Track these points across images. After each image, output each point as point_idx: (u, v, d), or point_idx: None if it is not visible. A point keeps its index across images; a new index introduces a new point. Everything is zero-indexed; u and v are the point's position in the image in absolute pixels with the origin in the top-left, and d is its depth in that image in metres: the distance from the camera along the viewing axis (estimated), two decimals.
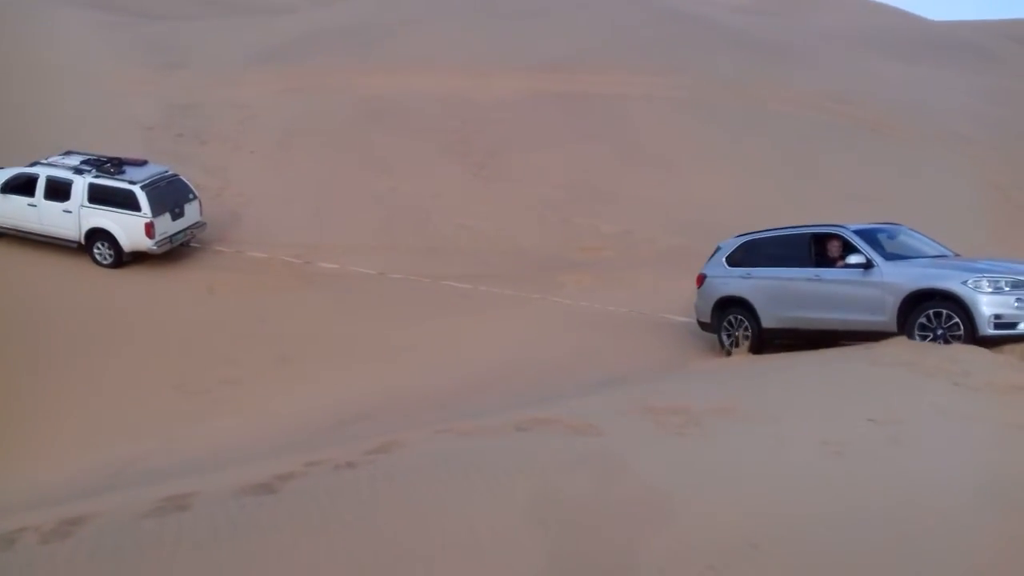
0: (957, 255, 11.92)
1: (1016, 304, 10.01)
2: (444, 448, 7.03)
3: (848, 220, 16.48)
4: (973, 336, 10.08)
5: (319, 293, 16.88)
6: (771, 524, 5.18)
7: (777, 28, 36.18)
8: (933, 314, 10.40)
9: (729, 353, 12.65)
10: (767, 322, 12.21)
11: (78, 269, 17.14)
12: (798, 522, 5.27)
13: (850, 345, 11.21)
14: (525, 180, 21.96)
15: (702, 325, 13.45)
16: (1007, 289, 10.09)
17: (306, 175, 21.72)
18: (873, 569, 4.70)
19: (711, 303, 13.01)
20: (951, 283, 10.30)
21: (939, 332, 10.33)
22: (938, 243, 12.23)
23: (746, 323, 12.46)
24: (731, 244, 13.24)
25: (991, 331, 10.01)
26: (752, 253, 12.73)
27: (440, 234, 19.45)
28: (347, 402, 12.43)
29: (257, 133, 23.82)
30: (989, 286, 10.10)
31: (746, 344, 12.39)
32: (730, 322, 12.73)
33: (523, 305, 16.22)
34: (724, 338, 12.88)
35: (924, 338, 10.45)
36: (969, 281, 10.19)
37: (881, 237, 11.79)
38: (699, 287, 13.39)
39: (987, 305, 10.01)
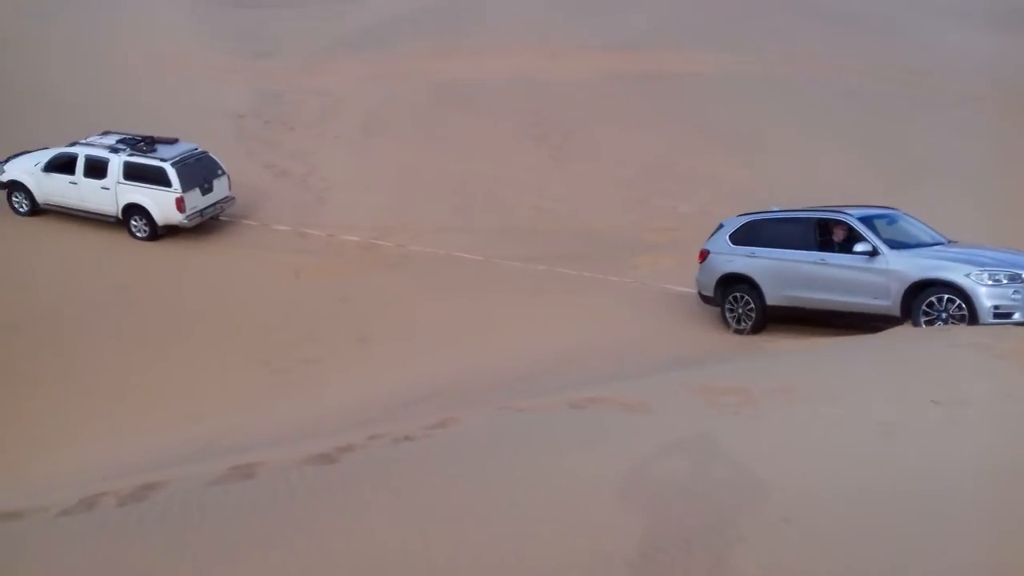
0: (952, 241, 12.47)
1: (1013, 295, 10.93)
2: (499, 424, 7.27)
3: (929, 198, 16.26)
4: (974, 324, 10.91)
5: (398, 274, 17.32)
6: (807, 501, 5.23)
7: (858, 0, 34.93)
8: (936, 299, 11.20)
9: (738, 331, 13.26)
10: (771, 300, 12.87)
11: (174, 252, 18.04)
12: (834, 500, 5.30)
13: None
14: (601, 161, 21.96)
15: (704, 298, 14.01)
16: (1005, 282, 10.98)
17: (386, 159, 22.24)
18: (898, 548, 4.72)
19: (715, 278, 13.57)
20: (954, 275, 11.11)
21: (943, 316, 11.16)
22: (933, 230, 12.81)
23: (749, 300, 13.09)
24: (735, 222, 13.69)
25: (990, 320, 10.92)
26: (756, 232, 13.27)
27: (516, 215, 19.66)
28: (421, 381, 12.77)
29: (341, 119, 24.48)
30: (989, 279, 10.97)
31: (751, 321, 13.10)
32: (734, 298, 13.32)
33: (598, 286, 16.31)
34: (727, 313, 13.48)
35: (929, 323, 11.23)
36: (972, 274, 11.02)
37: (881, 223, 12.44)
38: (701, 262, 13.94)
39: (987, 297, 10.92)
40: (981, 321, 10.88)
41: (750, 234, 13.34)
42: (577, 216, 19.62)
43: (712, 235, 14.00)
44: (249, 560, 4.52)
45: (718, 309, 13.84)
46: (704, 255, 13.91)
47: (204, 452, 10.80)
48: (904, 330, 11.49)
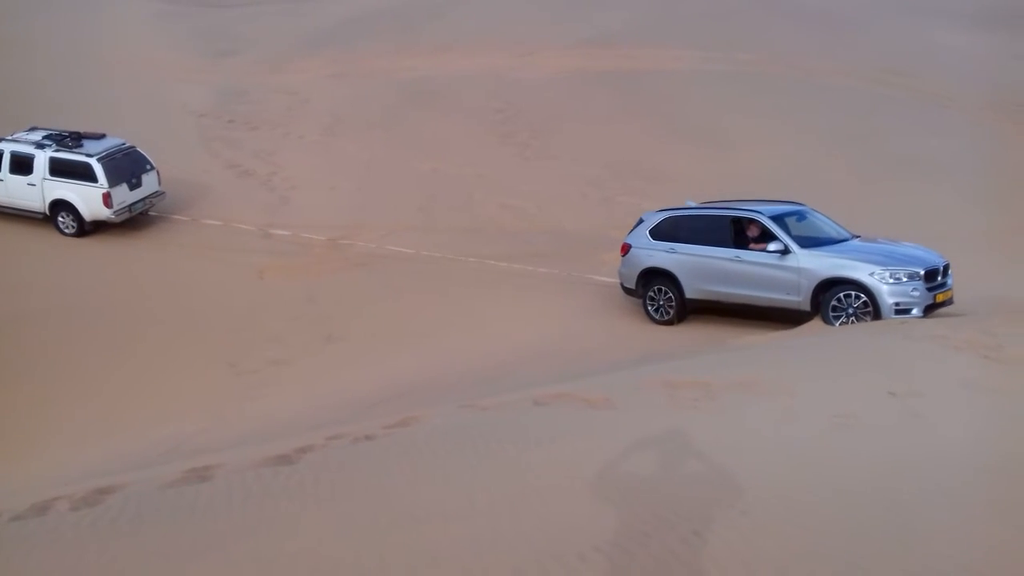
0: (856, 236, 13.22)
1: (912, 292, 11.82)
2: (461, 422, 7.26)
3: (911, 196, 16.64)
4: (877, 319, 11.80)
5: (364, 274, 17.25)
6: (763, 494, 5.27)
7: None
8: (843, 296, 12.07)
9: (658, 322, 14.05)
10: (690, 293, 13.66)
11: (135, 253, 17.84)
12: (791, 493, 5.34)
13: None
14: (569, 159, 22.01)
15: (626, 290, 14.68)
16: (904, 280, 11.83)
17: (352, 158, 22.13)
18: (856, 542, 4.77)
19: (636, 272, 14.23)
20: (859, 274, 11.97)
21: (850, 312, 12.03)
22: (840, 225, 13.57)
23: (669, 293, 13.84)
24: (654, 217, 14.33)
25: (892, 315, 11.79)
26: (675, 228, 13.93)
27: (483, 214, 19.65)
28: (388, 381, 12.75)
29: (305, 118, 24.33)
30: (891, 277, 11.83)
31: (671, 312, 13.88)
32: (656, 290, 14.02)
33: (564, 284, 16.36)
34: (648, 305, 14.19)
35: (836, 318, 12.10)
36: (875, 273, 11.89)
37: (791, 220, 13.19)
38: (623, 255, 14.56)
39: (889, 294, 11.81)
40: (884, 317, 11.77)
41: (669, 229, 13.96)
42: (544, 214, 19.66)
43: (633, 229, 14.59)
44: (200, 564, 4.47)
45: (640, 301, 14.46)
46: (626, 249, 14.48)
47: (169, 455, 10.68)
48: (864, 325, 11.75)
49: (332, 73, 27.07)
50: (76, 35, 28.82)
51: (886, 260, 12.07)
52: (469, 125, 23.45)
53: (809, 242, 12.75)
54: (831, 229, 13.43)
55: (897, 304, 11.77)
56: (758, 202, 13.94)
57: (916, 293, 11.82)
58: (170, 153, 21.90)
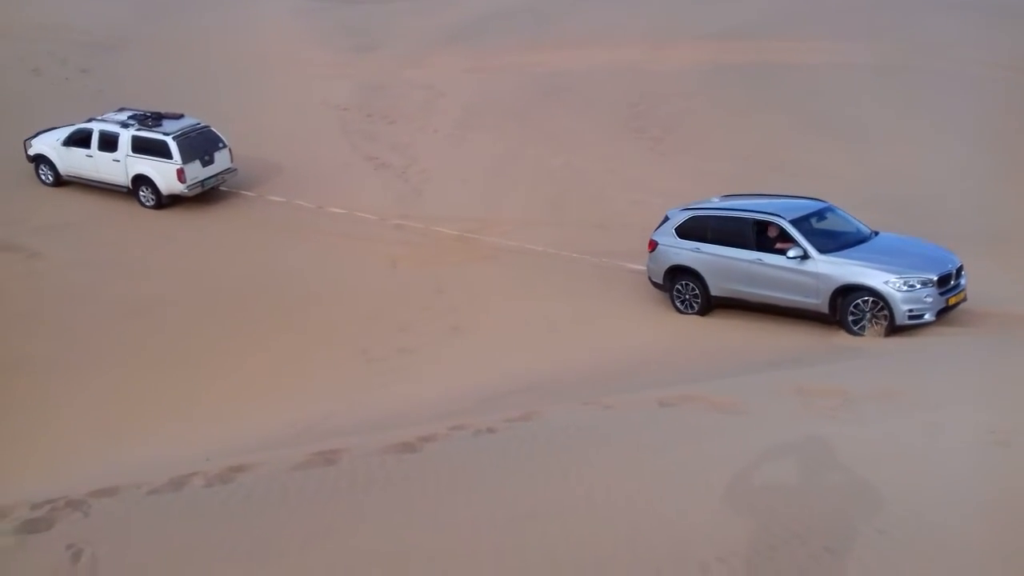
0: (875, 233, 13.70)
1: (925, 299, 12.20)
2: (583, 419, 7.16)
3: None
4: (892, 324, 12.27)
5: (493, 267, 17.34)
6: (906, 513, 4.92)
7: None
8: (861, 302, 12.48)
9: (688, 313, 14.53)
10: (715, 291, 14.16)
11: (282, 242, 18.53)
12: (937, 513, 4.96)
13: None
14: (703, 154, 21.45)
15: (655, 284, 15.15)
16: (918, 287, 12.22)
17: (484, 152, 22.29)
18: (1001, 562, 4.37)
19: (664, 268, 14.74)
20: (874, 281, 12.39)
21: (867, 317, 12.47)
22: (860, 222, 13.99)
23: (695, 289, 14.36)
24: (680, 216, 14.73)
25: (907, 321, 12.25)
26: (700, 227, 14.35)
27: (612, 210, 19.39)
28: (513, 374, 12.78)
29: (440, 112, 24.68)
30: (904, 285, 12.22)
31: (697, 305, 14.42)
32: (682, 285, 14.53)
33: None
34: (676, 300, 14.69)
35: (855, 322, 12.58)
36: (889, 281, 12.28)
37: (813, 221, 13.62)
38: (651, 251, 14.99)
39: (903, 302, 12.20)
40: (897, 322, 12.24)
41: (694, 228, 14.41)
42: None
43: (659, 226, 14.96)
44: (319, 549, 4.55)
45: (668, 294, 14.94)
46: (653, 245, 14.92)
47: (302, 435, 11.04)
48: (1010, 330, 11.04)
49: (467, 68, 27.36)
50: (219, 35, 30.20)
51: (901, 266, 12.42)
52: (601, 119, 23.20)
53: (830, 244, 13.20)
54: (853, 227, 13.85)
55: (911, 311, 12.20)
56: (783, 197, 14.49)
57: (929, 299, 12.19)
58: (314, 146, 22.76)
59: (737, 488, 5.24)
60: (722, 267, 13.94)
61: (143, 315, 15.28)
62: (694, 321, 14.34)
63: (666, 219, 14.96)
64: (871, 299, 12.38)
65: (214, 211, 19.76)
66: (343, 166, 22.04)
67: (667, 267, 14.68)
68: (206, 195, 19.89)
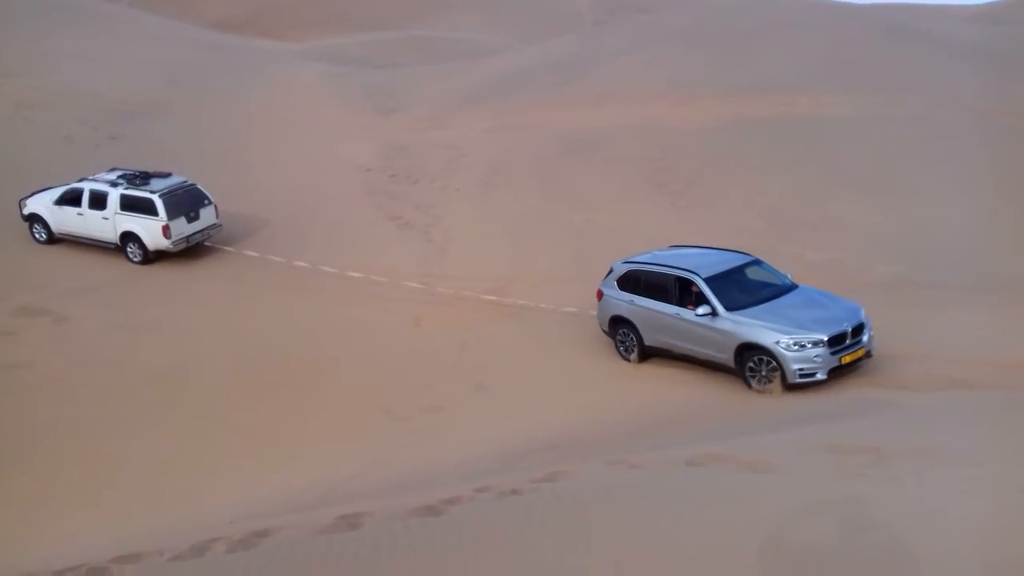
0: (795, 286, 14.25)
1: (815, 358, 12.69)
2: (610, 480, 7.03)
3: None
4: (784, 381, 12.78)
5: (516, 324, 17.32)
6: (943, 572, 4.76)
7: (1014, 37, 33.10)
8: (756, 360, 13.06)
9: (629, 359, 15.24)
10: (648, 342, 14.92)
11: (311, 304, 18.62)
12: (974, 571, 4.79)
13: None
14: (725, 208, 21.44)
15: (604, 331, 15.82)
16: (808, 347, 12.72)
17: (507, 210, 22.41)
18: None
19: (607, 317, 15.50)
20: (767, 340, 12.92)
21: (763, 374, 13.03)
22: (785, 275, 14.59)
23: (633, 338, 15.08)
24: (620, 268, 15.48)
25: (798, 379, 12.76)
26: (634, 280, 15.10)
27: None
28: (537, 432, 12.69)
29: (463, 171, 24.90)
30: (795, 345, 12.73)
31: (635, 352, 15.10)
32: (623, 333, 15.28)
33: None
34: (619, 346, 15.45)
35: (752, 378, 13.14)
36: (781, 341, 12.79)
37: (734, 278, 14.25)
38: (599, 300, 15.72)
39: (792, 361, 12.71)
40: (789, 381, 12.72)
41: (630, 280, 15.15)
42: None
43: (605, 277, 15.68)
44: None
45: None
46: (600, 295, 15.69)
47: (326, 496, 10.96)
48: None
49: (489, 127, 27.69)
50: (250, 99, 30.85)
51: (794, 326, 12.89)
52: (623, 175, 23.29)
53: (743, 299, 13.78)
54: (775, 281, 14.46)
55: (801, 370, 12.68)
56: (713, 251, 15.24)
57: (819, 360, 12.65)
58: (339, 207, 23.03)
59: (770, 554, 5.09)
60: (651, 320, 14.67)
61: (167, 377, 15.35)
62: (720, 377, 14.17)
63: (611, 271, 15.64)
64: (765, 359, 12.91)
65: (246, 275, 19.88)
66: (367, 226, 22.24)
67: (609, 316, 15.40)
68: (233, 260, 20.10)
